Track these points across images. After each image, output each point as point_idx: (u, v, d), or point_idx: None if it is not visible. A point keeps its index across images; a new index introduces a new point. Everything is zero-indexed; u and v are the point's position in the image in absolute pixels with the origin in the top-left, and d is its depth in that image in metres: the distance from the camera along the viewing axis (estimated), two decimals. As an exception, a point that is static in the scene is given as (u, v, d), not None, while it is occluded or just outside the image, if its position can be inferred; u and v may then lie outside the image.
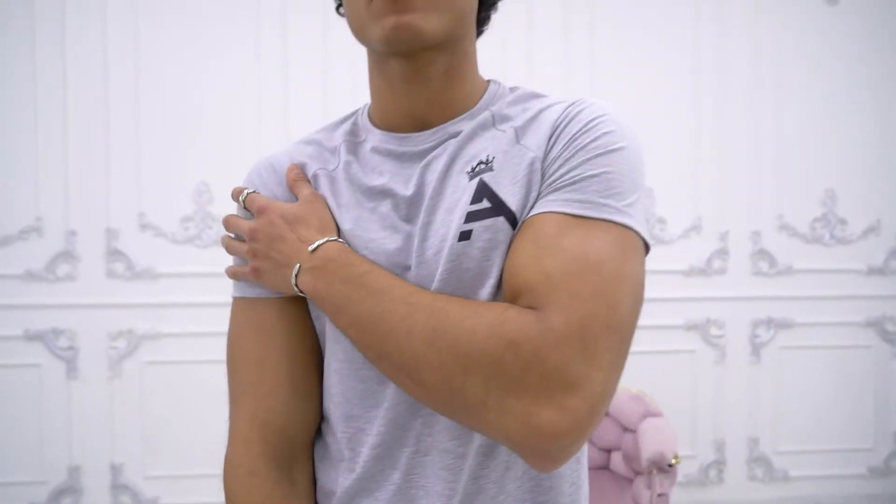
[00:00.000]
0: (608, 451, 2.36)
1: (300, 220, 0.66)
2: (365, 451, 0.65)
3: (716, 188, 2.68)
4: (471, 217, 0.61)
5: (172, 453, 2.47)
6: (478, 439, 0.63)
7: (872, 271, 2.74)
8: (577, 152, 0.61)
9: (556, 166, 0.61)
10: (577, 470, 0.70)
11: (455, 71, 0.67)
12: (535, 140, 0.63)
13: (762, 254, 2.71)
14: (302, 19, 2.45)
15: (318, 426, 0.70)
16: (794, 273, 2.73)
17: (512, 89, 0.71)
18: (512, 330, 0.54)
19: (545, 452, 0.55)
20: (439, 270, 0.61)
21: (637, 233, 0.60)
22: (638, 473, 2.13)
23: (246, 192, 0.71)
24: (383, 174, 0.68)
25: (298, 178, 0.70)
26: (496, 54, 2.55)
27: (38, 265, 2.40)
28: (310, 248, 0.64)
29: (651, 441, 2.11)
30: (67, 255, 2.42)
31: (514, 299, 0.58)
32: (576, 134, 0.62)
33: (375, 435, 0.65)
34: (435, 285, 0.61)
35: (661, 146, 2.64)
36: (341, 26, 0.79)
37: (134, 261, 2.44)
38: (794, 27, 2.68)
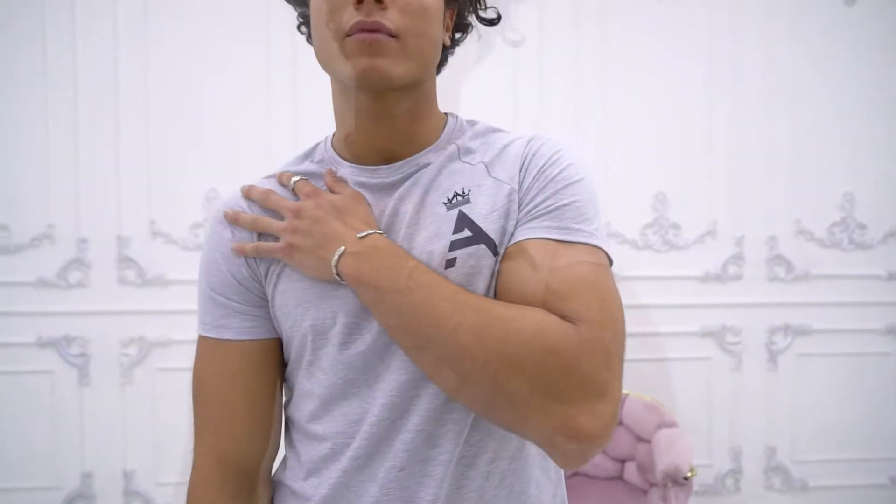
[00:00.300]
0: (622, 461, 2.33)
1: (348, 210, 0.69)
2: (345, 463, 0.68)
3: (731, 192, 2.63)
4: (454, 245, 0.66)
5: (184, 460, 2.46)
6: (460, 449, 0.67)
7: (893, 277, 2.68)
8: (547, 184, 0.68)
9: (530, 196, 0.68)
10: (551, 479, 0.75)
11: (418, 109, 0.72)
12: (506, 173, 0.70)
13: (779, 259, 2.66)
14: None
15: (276, 454, 0.75)
16: (812, 279, 2.67)
17: (470, 123, 0.77)
18: (553, 337, 0.60)
19: (580, 453, 0.60)
20: None
21: (605, 252, 0.68)
22: (652, 485, 2.10)
23: (295, 179, 0.74)
24: (378, 202, 0.72)
25: (337, 181, 0.73)
26: (507, 69, 2.52)
27: (50, 273, 2.41)
28: (358, 235, 0.66)
29: (666, 452, 2.07)
30: (79, 263, 2.42)
31: None
32: (543, 166, 0.69)
33: (356, 448, 0.68)
34: None
35: (673, 149, 2.60)
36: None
37: (145, 268, 2.44)
38: (809, 28, 2.63)
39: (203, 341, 0.72)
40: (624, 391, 2.39)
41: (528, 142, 0.71)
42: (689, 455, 2.06)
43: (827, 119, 2.65)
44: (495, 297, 0.67)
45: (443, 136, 0.73)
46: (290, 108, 2.46)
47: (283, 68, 2.45)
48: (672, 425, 2.24)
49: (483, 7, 0.77)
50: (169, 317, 2.45)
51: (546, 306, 0.62)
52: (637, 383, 2.47)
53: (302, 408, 0.72)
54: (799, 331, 2.67)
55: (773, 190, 2.65)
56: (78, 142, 2.41)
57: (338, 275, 0.66)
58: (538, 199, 0.68)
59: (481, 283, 0.66)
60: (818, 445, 2.68)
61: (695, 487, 2.63)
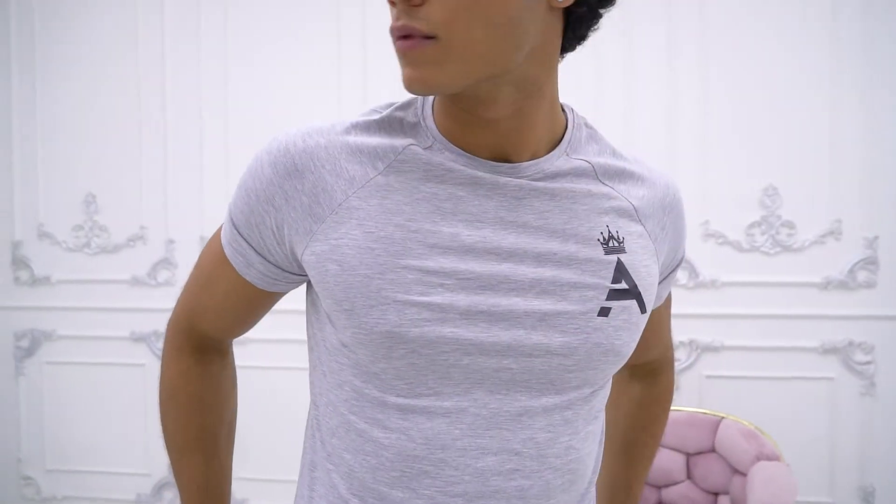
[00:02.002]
0: (715, 493, 2.04)
1: None
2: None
3: (861, 185, 2.22)
4: (612, 296, 0.61)
5: (260, 457, 2.51)
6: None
7: None
8: (679, 245, 0.73)
9: (669, 255, 0.71)
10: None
11: (528, 105, 0.60)
12: (653, 224, 0.67)
13: (924, 264, 2.21)
14: (379, 23, 2.38)
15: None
16: (971, 288, 2.19)
17: (585, 122, 0.68)
18: None
19: None
20: None
21: None
22: None
23: None
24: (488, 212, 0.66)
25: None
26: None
27: (142, 271, 2.56)
28: None
29: (762, 490, 1.78)
30: (167, 262, 2.55)
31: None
32: (680, 229, 0.72)
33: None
34: None
35: (787, 135, 2.24)
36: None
37: (224, 268, 2.51)
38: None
39: (217, 239, 0.68)
40: (720, 414, 2.10)
41: (668, 188, 0.69)
42: (791, 495, 1.75)
43: None
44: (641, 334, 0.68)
45: (565, 138, 0.64)
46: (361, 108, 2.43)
47: (354, 68, 2.42)
48: (774, 458, 1.92)
49: None
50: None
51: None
52: (737, 406, 2.16)
53: None
54: (952, 351, 2.20)
55: (918, 180, 2.20)
56: (166, 152, 2.53)
57: None
58: (672, 258, 0.72)
59: (627, 338, 0.62)
60: (978, 492, 2.20)
61: (813, 530, 2.25)
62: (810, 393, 2.26)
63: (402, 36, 0.53)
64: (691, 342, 2.32)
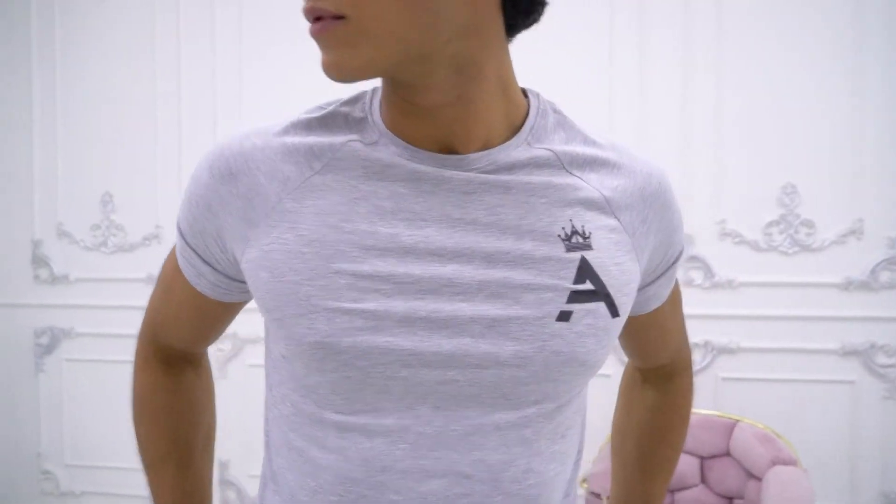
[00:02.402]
0: (730, 498, 2.00)
1: None
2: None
3: (883, 183, 2.16)
4: (574, 298, 0.54)
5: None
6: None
7: None
8: (675, 233, 0.63)
9: (668, 254, 0.64)
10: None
11: (470, 91, 0.54)
12: (630, 217, 0.59)
13: (950, 264, 2.14)
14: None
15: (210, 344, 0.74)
16: None
17: (552, 107, 0.61)
18: None
19: None
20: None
21: None
22: None
23: None
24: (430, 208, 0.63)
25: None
26: (603, 40, 2.27)
27: (157, 270, 2.58)
28: None
29: (778, 495, 1.74)
30: (182, 261, 2.57)
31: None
32: (673, 217, 0.62)
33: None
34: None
35: (806, 131, 2.18)
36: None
37: (238, 266, 2.53)
38: None
39: (173, 256, 0.68)
40: (735, 417, 2.06)
41: (650, 176, 0.60)
42: (807, 501, 1.71)
43: None
44: (641, 335, 0.71)
45: (526, 126, 0.58)
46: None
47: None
48: (790, 463, 1.87)
49: None
50: (254, 313, 2.51)
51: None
52: (753, 409, 2.11)
53: None
54: (980, 354, 2.13)
55: (944, 178, 2.13)
56: (181, 153, 2.55)
57: None
58: (665, 253, 0.64)
59: (594, 345, 0.55)
60: None
61: (832, 537, 2.20)
62: (830, 396, 2.21)
63: (315, 18, 0.50)
64: (706, 343, 2.27)
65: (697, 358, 2.27)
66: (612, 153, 0.60)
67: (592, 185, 0.57)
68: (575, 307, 0.54)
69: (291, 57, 2.48)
